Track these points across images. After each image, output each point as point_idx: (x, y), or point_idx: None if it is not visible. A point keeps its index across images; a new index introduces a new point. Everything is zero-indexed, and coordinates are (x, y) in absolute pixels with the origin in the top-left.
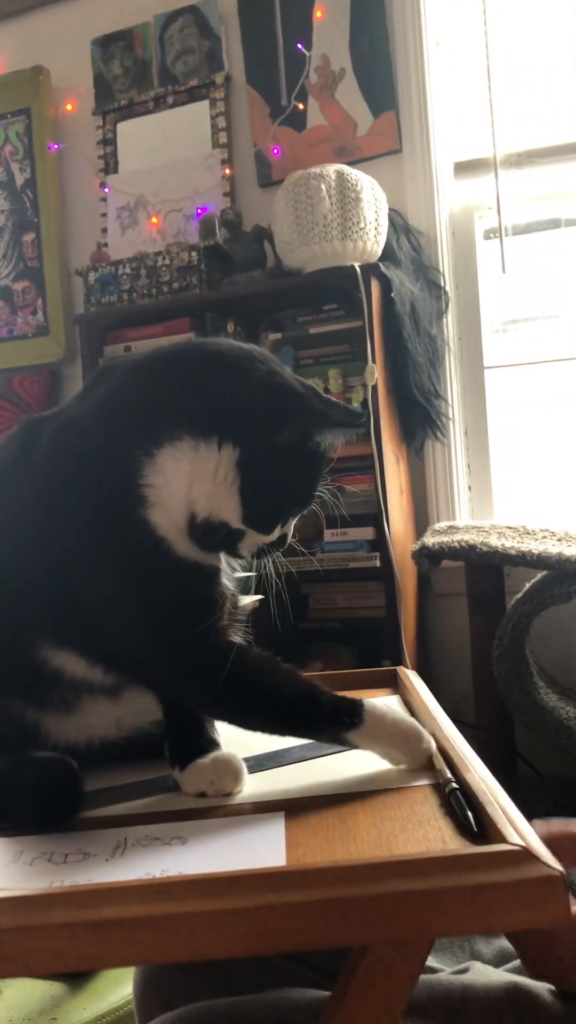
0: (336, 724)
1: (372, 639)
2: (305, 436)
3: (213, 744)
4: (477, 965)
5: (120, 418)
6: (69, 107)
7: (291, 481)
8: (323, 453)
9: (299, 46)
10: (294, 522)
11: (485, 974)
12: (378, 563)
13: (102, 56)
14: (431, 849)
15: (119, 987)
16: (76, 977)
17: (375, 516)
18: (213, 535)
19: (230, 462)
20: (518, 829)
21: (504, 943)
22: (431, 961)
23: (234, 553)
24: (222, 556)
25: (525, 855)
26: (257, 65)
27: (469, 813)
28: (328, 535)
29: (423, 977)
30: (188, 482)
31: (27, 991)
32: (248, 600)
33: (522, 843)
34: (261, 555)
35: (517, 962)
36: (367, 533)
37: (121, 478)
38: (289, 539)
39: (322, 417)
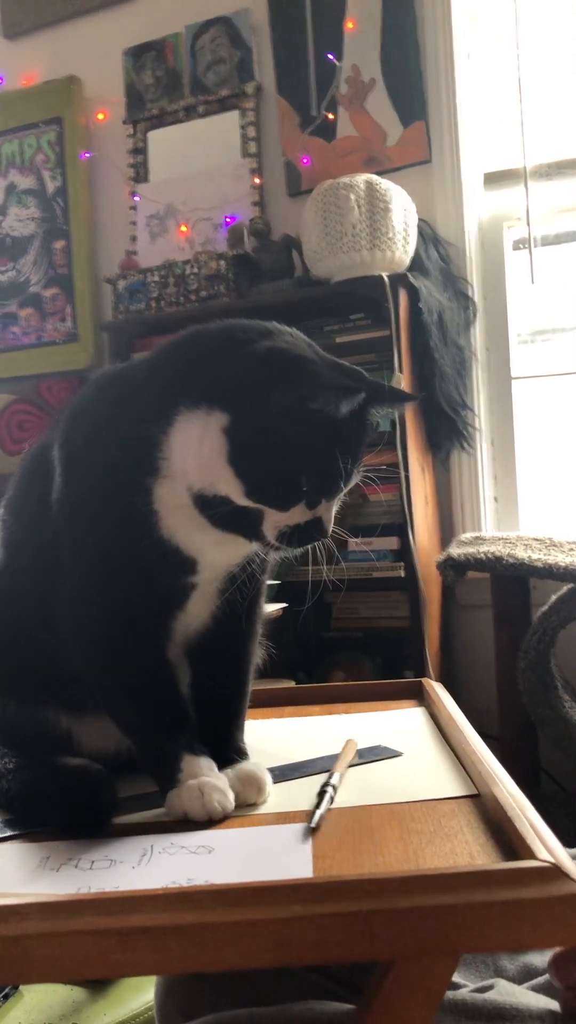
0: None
1: (395, 649)
2: (307, 401)
3: (241, 754)
4: (502, 983)
5: (145, 391)
6: (101, 116)
7: (299, 451)
8: (348, 423)
9: (330, 56)
10: (333, 505)
11: (511, 992)
12: (402, 573)
13: (134, 66)
14: (458, 864)
15: (140, 993)
16: (97, 983)
17: (400, 526)
18: (212, 507)
19: (216, 429)
20: (547, 845)
21: (528, 959)
22: (454, 976)
23: (259, 536)
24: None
25: (554, 872)
26: (288, 75)
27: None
28: (352, 544)
29: (448, 993)
30: (183, 454)
31: (48, 995)
32: (271, 608)
33: (551, 860)
34: (293, 541)
35: (541, 979)
36: (391, 543)
37: (139, 447)
38: (330, 526)
39: (327, 382)
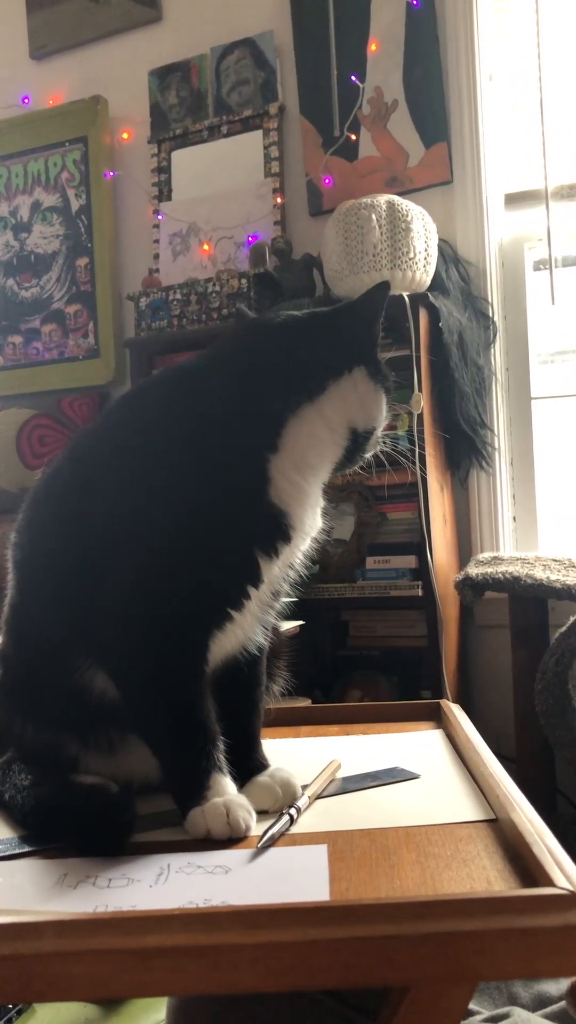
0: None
1: (412, 669)
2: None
3: (266, 764)
4: (518, 1011)
5: (258, 382)
6: (125, 136)
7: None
8: None
9: (353, 78)
10: None
11: (527, 1020)
12: (420, 592)
13: (159, 86)
14: (476, 889)
15: (152, 1012)
16: (110, 1001)
17: (418, 545)
18: (363, 443)
19: (363, 378)
20: (566, 873)
21: (543, 988)
22: (470, 1004)
23: (362, 455)
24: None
25: (573, 899)
26: (311, 96)
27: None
28: (370, 562)
29: (463, 1022)
30: (342, 411)
31: (61, 1012)
32: (289, 626)
33: (570, 887)
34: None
35: (555, 1007)
36: (409, 561)
37: (261, 429)
38: None
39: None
